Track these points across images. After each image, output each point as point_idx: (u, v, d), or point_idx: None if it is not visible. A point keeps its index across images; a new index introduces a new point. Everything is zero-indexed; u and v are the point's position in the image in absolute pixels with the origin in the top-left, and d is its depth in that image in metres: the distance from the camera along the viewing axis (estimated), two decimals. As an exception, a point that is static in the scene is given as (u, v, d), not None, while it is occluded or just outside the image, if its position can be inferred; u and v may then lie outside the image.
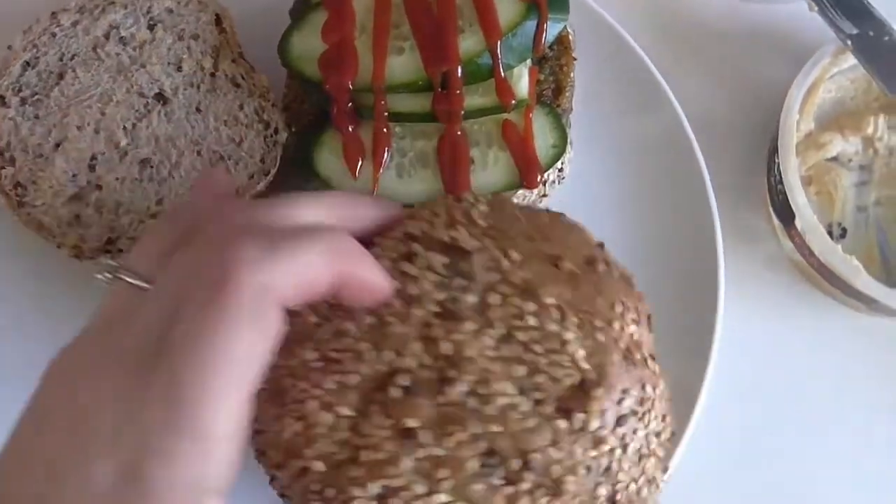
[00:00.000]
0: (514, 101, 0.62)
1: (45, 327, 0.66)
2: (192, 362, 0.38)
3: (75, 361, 0.42)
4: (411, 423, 0.45)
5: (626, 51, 0.71)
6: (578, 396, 0.46)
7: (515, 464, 0.45)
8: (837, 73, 0.72)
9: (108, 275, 0.44)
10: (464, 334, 0.46)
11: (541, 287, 0.47)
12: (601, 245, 0.54)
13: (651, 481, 0.49)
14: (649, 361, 0.49)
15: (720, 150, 0.73)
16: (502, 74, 0.61)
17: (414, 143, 0.63)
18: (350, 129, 0.63)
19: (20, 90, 0.66)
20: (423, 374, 0.45)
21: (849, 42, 0.69)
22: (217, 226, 0.43)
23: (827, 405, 0.70)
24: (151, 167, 0.65)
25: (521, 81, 0.62)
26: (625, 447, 0.47)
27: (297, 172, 0.65)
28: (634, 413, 0.47)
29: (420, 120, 0.63)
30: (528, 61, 0.63)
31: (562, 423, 0.45)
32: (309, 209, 0.45)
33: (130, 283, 0.43)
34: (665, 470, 0.53)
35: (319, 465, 0.46)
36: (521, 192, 0.64)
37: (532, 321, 0.46)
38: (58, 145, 0.65)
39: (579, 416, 0.45)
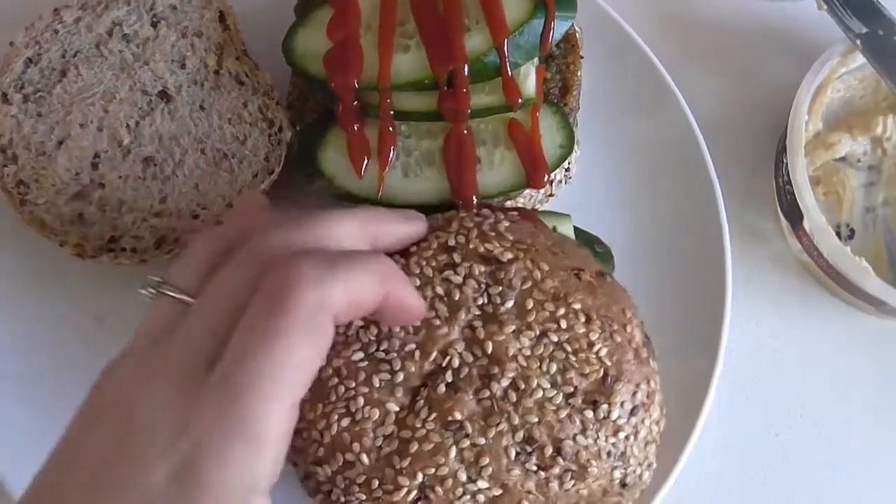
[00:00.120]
0: (520, 100, 0.61)
1: (47, 326, 0.66)
2: (250, 370, 0.41)
3: (125, 373, 0.45)
4: (457, 415, 0.51)
5: (634, 49, 0.71)
6: (602, 390, 0.52)
7: (549, 451, 0.51)
8: (846, 72, 0.71)
9: (151, 290, 0.47)
10: (504, 335, 0.52)
11: (569, 294, 0.53)
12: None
13: (650, 465, 0.56)
14: (650, 360, 0.56)
15: (728, 150, 0.72)
16: (509, 73, 0.61)
17: (420, 142, 0.63)
18: (355, 127, 0.62)
19: (22, 87, 0.66)
20: (467, 371, 0.52)
21: (858, 41, 0.68)
22: (262, 243, 0.46)
23: (834, 406, 0.69)
24: (155, 165, 0.64)
25: (528, 80, 0.62)
26: (636, 434, 0.54)
27: (301, 171, 0.65)
28: (643, 404, 0.54)
29: (426, 119, 0.62)
30: (535, 60, 0.63)
31: (589, 413, 0.52)
32: (342, 227, 0.48)
33: (174, 298, 0.46)
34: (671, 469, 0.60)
35: (366, 458, 0.51)
36: (527, 191, 0.64)
37: (563, 324, 0.53)
38: (60, 143, 0.65)
39: (603, 407, 0.52)
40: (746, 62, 0.77)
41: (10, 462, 0.62)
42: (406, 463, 0.50)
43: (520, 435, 0.51)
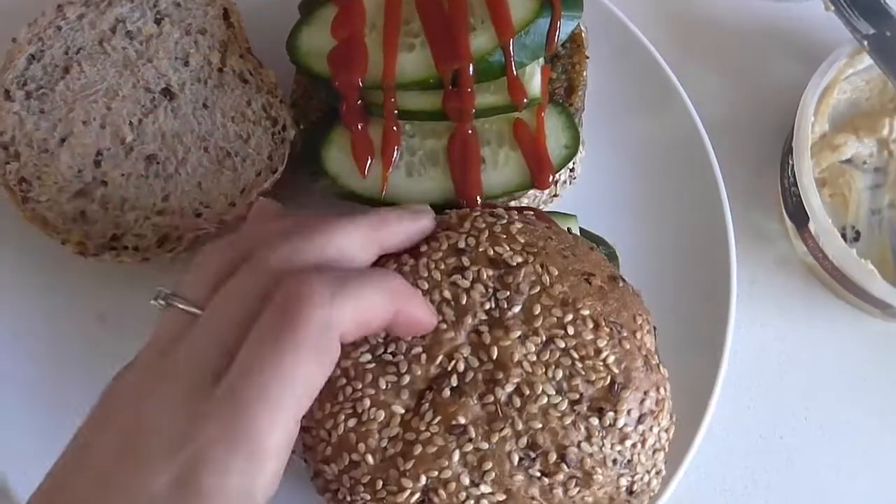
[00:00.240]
0: (526, 100, 0.61)
1: (49, 325, 0.66)
2: (256, 384, 0.41)
3: (133, 381, 0.46)
4: (461, 419, 0.51)
5: (640, 50, 0.71)
6: (609, 397, 0.52)
7: (553, 457, 0.51)
8: (853, 73, 0.71)
9: (161, 301, 0.48)
10: (510, 341, 0.52)
11: (577, 300, 0.53)
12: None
13: (658, 472, 0.55)
14: (661, 367, 0.55)
15: (733, 151, 0.72)
16: (514, 73, 0.61)
17: (424, 142, 0.63)
18: (359, 126, 0.62)
19: (25, 84, 0.65)
20: (472, 376, 0.52)
21: (865, 42, 0.68)
22: (269, 255, 0.46)
23: (839, 409, 0.69)
24: (157, 163, 0.64)
25: (534, 80, 0.62)
26: (644, 442, 0.53)
27: (305, 170, 0.65)
28: (652, 412, 0.53)
29: (430, 118, 0.62)
30: (541, 59, 0.62)
31: (594, 421, 0.52)
32: (349, 237, 0.49)
33: (183, 310, 0.47)
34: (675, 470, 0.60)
35: (371, 459, 0.51)
36: (532, 192, 0.63)
37: (570, 330, 0.52)
38: (63, 140, 0.64)
39: (610, 415, 0.52)
40: (752, 62, 0.77)
41: (12, 460, 0.61)
42: (410, 465, 0.51)
43: (523, 441, 0.51)
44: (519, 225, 0.56)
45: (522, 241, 0.55)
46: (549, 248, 0.55)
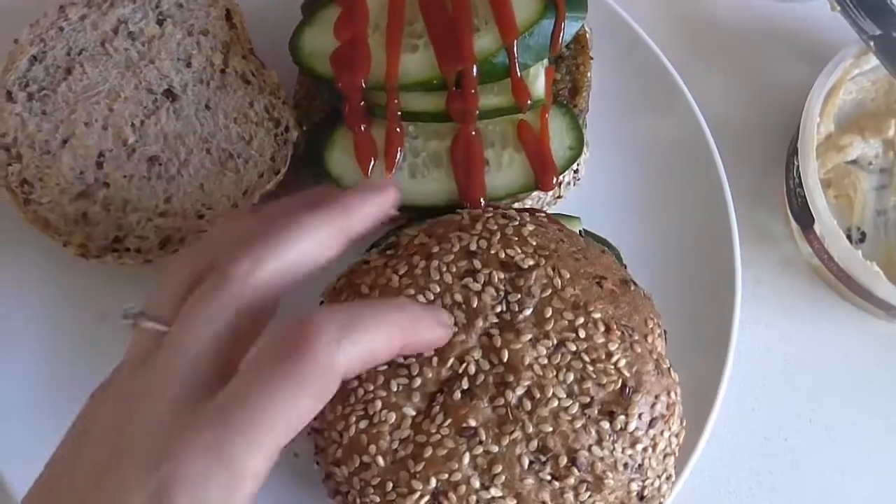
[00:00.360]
0: (529, 102, 0.61)
1: (50, 326, 0.66)
2: (247, 410, 0.41)
3: (108, 402, 0.45)
4: (472, 422, 0.51)
5: (644, 50, 0.70)
6: (620, 401, 0.52)
7: (564, 461, 0.51)
8: (858, 74, 0.71)
9: (130, 320, 0.48)
10: (521, 344, 0.52)
11: (589, 303, 0.53)
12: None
13: (669, 477, 0.55)
14: (671, 371, 0.55)
15: (738, 152, 0.72)
16: (518, 74, 0.60)
17: (427, 143, 0.62)
18: (362, 127, 0.62)
19: (27, 85, 0.65)
20: (483, 378, 0.52)
21: (871, 43, 0.67)
22: (229, 266, 0.46)
23: (844, 410, 0.69)
24: (160, 165, 0.64)
25: (538, 81, 0.61)
26: (654, 446, 0.53)
27: (308, 171, 0.65)
28: (662, 416, 0.53)
29: (433, 119, 0.62)
30: (545, 60, 0.62)
31: (605, 424, 0.52)
32: (309, 234, 0.48)
33: (150, 328, 0.47)
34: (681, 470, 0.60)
35: (381, 461, 0.51)
36: (535, 193, 0.63)
37: (582, 333, 0.52)
38: (65, 142, 0.64)
39: (621, 419, 0.52)
40: (757, 63, 0.76)
41: (12, 460, 0.61)
42: (420, 467, 0.51)
43: (534, 444, 0.51)
44: (531, 227, 0.56)
45: (534, 243, 0.55)
46: (560, 250, 0.55)
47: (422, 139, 0.63)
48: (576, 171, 0.65)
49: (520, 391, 0.51)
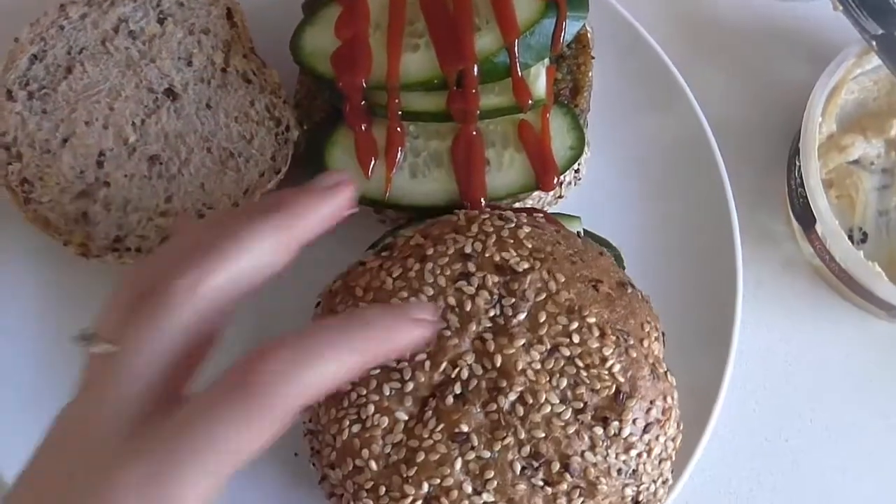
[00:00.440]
0: (530, 101, 0.61)
1: (50, 326, 0.65)
2: (189, 448, 0.40)
3: (58, 427, 0.44)
4: (464, 427, 0.51)
5: (646, 50, 0.70)
6: (614, 406, 0.52)
7: (556, 466, 0.51)
8: (861, 74, 0.70)
9: (82, 342, 0.46)
10: (514, 349, 0.52)
11: (584, 308, 0.53)
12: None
13: (665, 482, 0.55)
14: (668, 375, 0.55)
15: (739, 152, 0.72)
16: (519, 73, 0.60)
17: (428, 143, 0.62)
18: (363, 127, 0.62)
19: (27, 84, 0.65)
20: (476, 383, 0.51)
21: (873, 42, 0.67)
22: (171, 282, 0.44)
23: (845, 411, 0.69)
24: (160, 164, 0.64)
25: (539, 81, 0.61)
26: (649, 452, 0.53)
27: (308, 171, 0.64)
28: (658, 421, 0.53)
29: (434, 119, 0.62)
30: (546, 60, 0.62)
31: (598, 430, 0.51)
32: (255, 244, 0.46)
33: (98, 350, 0.45)
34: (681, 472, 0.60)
35: (374, 465, 0.51)
36: (536, 193, 0.63)
37: (576, 338, 0.52)
38: (65, 141, 0.64)
39: (614, 424, 0.51)
40: (759, 62, 0.76)
41: (12, 461, 0.61)
42: (412, 472, 0.51)
43: (526, 450, 0.51)
44: (527, 229, 0.55)
45: (530, 246, 0.54)
46: (556, 253, 0.55)
47: (422, 139, 0.62)
48: (577, 171, 0.65)
49: (512, 396, 0.51)
